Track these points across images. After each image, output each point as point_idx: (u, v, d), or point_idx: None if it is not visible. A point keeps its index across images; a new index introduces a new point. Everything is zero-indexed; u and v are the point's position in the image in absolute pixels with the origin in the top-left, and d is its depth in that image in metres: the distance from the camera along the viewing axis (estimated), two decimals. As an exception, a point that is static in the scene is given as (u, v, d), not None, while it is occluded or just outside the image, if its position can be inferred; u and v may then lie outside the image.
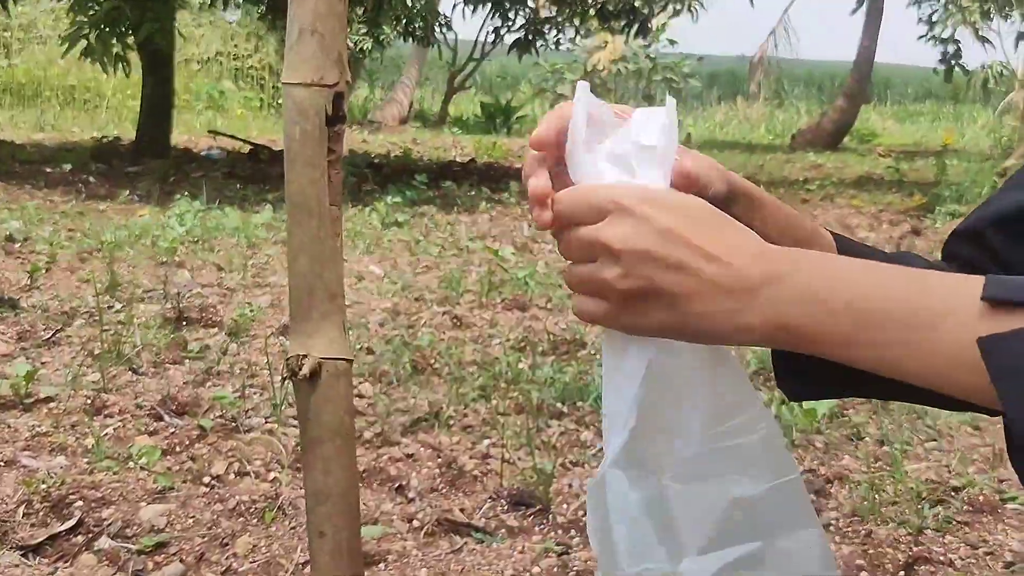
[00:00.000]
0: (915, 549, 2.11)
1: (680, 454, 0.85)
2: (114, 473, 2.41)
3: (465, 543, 2.15)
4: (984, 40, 10.37)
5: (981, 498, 2.37)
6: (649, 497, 0.85)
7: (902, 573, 2.03)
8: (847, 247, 0.93)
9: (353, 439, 1.16)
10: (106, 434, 2.63)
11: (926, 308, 0.67)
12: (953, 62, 11.84)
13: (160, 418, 2.74)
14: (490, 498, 2.35)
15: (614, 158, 0.80)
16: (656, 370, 0.83)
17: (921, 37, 11.85)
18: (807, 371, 0.92)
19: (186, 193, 6.01)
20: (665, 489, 0.85)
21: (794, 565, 0.88)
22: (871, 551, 2.11)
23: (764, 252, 0.73)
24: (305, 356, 1.08)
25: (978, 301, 0.64)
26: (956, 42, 11.65)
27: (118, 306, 3.80)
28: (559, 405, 2.89)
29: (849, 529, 2.22)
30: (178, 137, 9.90)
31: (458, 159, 10.33)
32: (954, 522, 2.25)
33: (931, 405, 0.94)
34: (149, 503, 2.28)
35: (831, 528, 2.22)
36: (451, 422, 2.79)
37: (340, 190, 1.04)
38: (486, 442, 2.65)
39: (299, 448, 2.25)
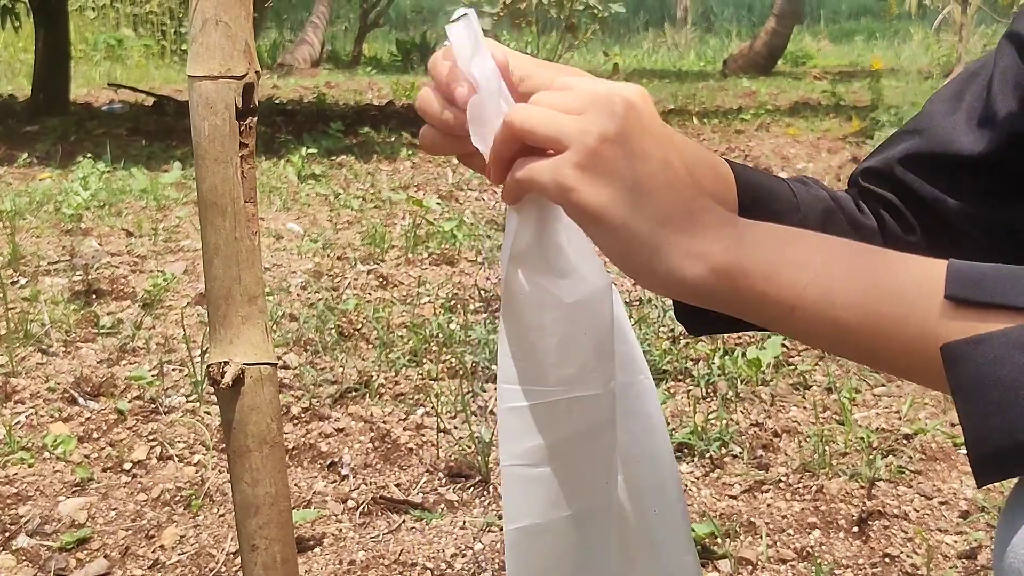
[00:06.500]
0: (868, 503, 2.08)
1: None
2: (29, 465, 2.29)
3: (403, 521, 2.07)
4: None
5: (934, 445, 2.35)
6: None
7: (856, 528, 2.01)
8: (743, 175, 0.89)
9: (281, 447, 1.09)
10: (18, 422, 2.49)
11: (888, 287, 0.64)
12: (887, -21, 11.68)
13: (74, 402, 2.61)
14: (427, 471, 2.27)
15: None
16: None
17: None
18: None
19: (89, 154, 5.75)
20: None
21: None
22: (823, 507, 2.08)
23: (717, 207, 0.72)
24: (227, 363, 1.03)
25: (941, 297, 0.62)
26: (889, -43, 11.50)
27: (23, 281, 3.61)
28: (494, 368, 2.81)
29: (800, 484, 2.18)
30: (77, 91, 9.49)
31: (375, 102, 10.10)
32: (907, 472, 2.23)
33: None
34: (68, 496, 2.17)
35: (781, 484, 2.19)
36: (382, 391, 2.69)
37: (255, 185, 0.95)
38: (420, 411, 2.57)
39: (222, 429, 2.14)
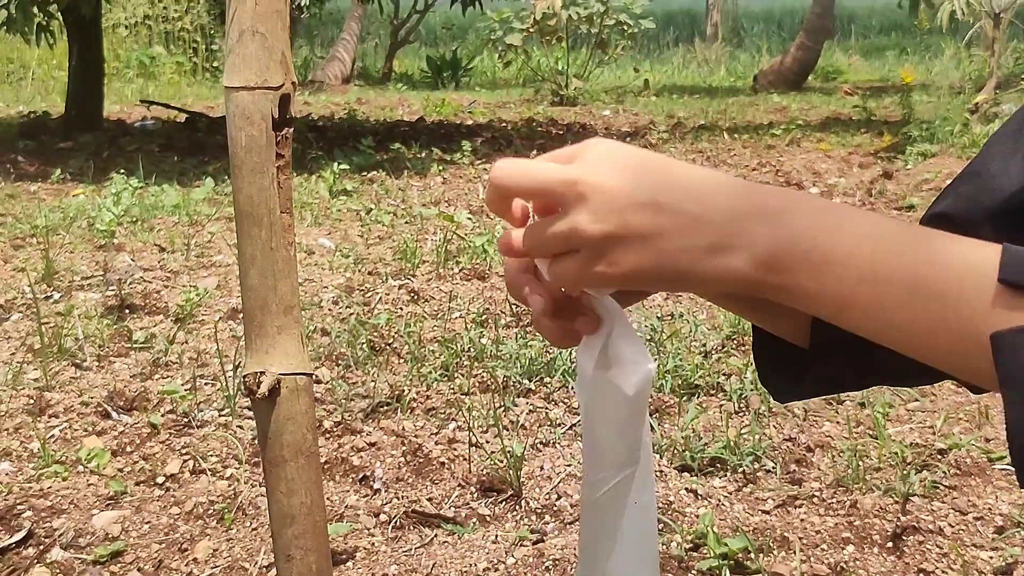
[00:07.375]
0: (903, 518, 2.06)
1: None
2: (63, 479, 2.30)
3: (435, 535, 2.07)
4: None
5: (968, 460, 2.32)
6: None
7: (890, 544, 1.98)
8: None
9: (317, 457, 1.09)
10: (52, 436, 2.51)
11: (937, 278, 0.62)
12: (917, -5, 11.57)
13: (108, 415, 2.62)
14: (459, 485, 2.26)
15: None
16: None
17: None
18: (791, 368, 0.88)
19: (122, 170, 5.80)
20: None
21: None
22: (857, 522, 2.06)
23: (750, 186, 0.66)
24: (263, 373, 1.03)
25: (994, 282, 0.59)
26: (920, -26, 11.37)
27: (56, 296, 3.64)
28: (525, 382, 2.80)
29: (833, 500, 2.16)
30: (110, 108, 9.59)
31: (405, 118, 10.13)
32: (941, 487, 2.20)
33: (910, 385, 0.92)
34: (102, 510, 2.18)
35: (815, 499, 2.17)
36: (414, 405, 2.69)
37: (291, 196, 0.96)
38: (452, 425, 2.56)
39: (256, 442, 2.15)
